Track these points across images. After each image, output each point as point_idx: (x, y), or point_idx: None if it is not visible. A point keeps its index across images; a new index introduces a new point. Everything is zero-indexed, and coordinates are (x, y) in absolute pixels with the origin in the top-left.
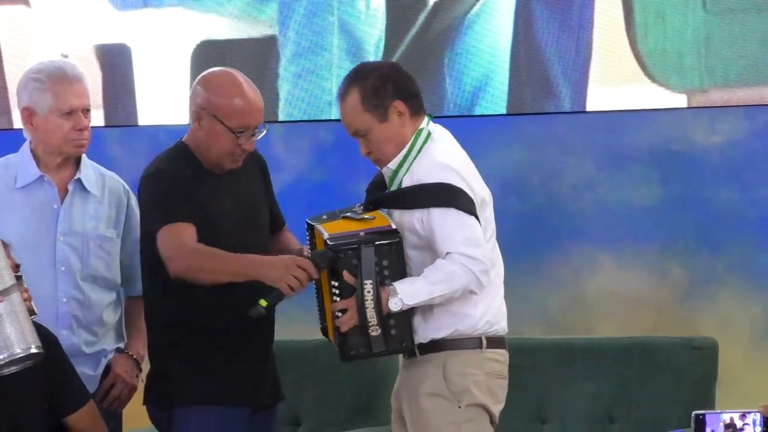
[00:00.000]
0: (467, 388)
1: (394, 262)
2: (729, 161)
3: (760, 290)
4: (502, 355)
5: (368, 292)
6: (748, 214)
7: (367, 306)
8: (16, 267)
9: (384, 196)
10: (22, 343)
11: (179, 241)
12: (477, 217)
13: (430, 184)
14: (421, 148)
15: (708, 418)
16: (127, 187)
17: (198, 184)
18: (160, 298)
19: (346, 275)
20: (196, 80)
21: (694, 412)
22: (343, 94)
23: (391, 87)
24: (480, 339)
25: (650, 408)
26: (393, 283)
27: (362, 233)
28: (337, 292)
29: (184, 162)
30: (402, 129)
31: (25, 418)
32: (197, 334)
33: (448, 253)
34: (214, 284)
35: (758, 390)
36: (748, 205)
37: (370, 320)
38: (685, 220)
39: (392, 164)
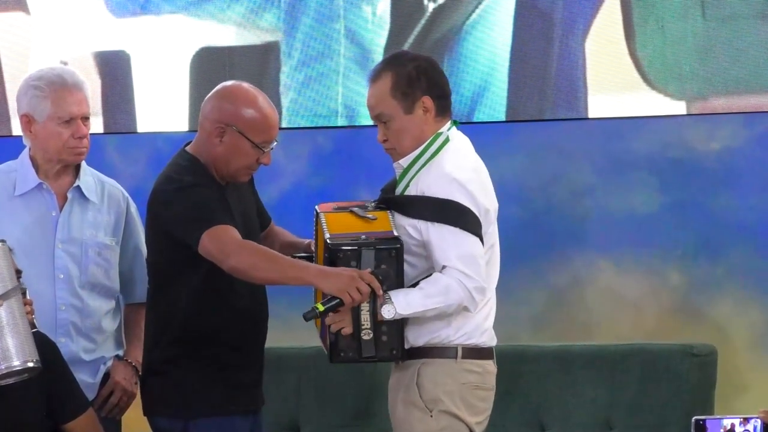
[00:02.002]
0: (438, 397)
1: (393, 269)
2: (728, 168)
3: (759, 296)
4: (481, 366)
5: (366, 303)
6: (747, 220)
7: (361, 309)
8: (18, 273)
9: (393, 198)
10: (21, 356)
11: (232, 239)
12: (481, 238)
13: (438, 198)
14: (436, 152)
15: (708, 424)
16: (126, 194)
17: (216, 192)
18: (175, 310)
19: None
20: (214, 95)
21: (694, 418)
22: (375, 76)
23: (424, 81)
24: (456, 349)
25: (649, 414)
26: (388, 292)
27: (363, 236)
28: None
29: (201, 175)
30: (424, 126)
31: (23, 425)
32: (215, 344)
33: (444, 266)
34: (262, 283)
35: (757, 396)
36: (747, 212)
37: (363, 323)
38: (685, 226)
39: (404, 161)
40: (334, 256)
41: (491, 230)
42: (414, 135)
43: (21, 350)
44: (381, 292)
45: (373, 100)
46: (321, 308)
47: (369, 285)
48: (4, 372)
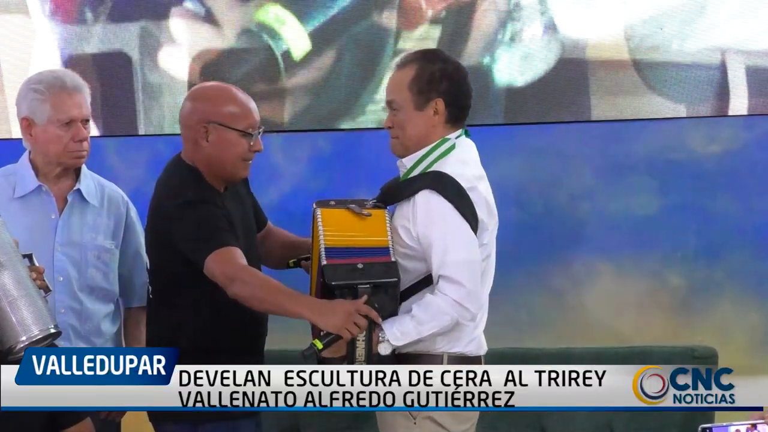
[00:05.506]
0: None
1: (388, 302)
2: (728, 170)
3: (759, 298)
4: None
5: (361, 333)
6: (747, 222)
7: (357, 346)
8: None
9: (390, 190)
10: (39, 324)
11: (236, 265)
12: (473, 227)
13: (432, 171)
14: (439, 157)
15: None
16: (126, 198)
17: (220, 206)
18: (179, 322)
19: None
20: (187, 100)
21: (701, 426)
22: (402, 63)
23: (445, 84)
24: (441, 357)
25: (649, 417)
26: (382, 325)
27: (360, 265)
28: None
29: (201, 185)
30: (431, 127)
31: (25, 425)
32: (219, 353)
33: (440, 276)
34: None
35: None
36: (746, 214)
37: (358, 357)
38: (684, 228)
39: (408, 161)
40: (329, 291)
41: (486, 241)
42: (419, 131)
43: (38, 318)
44: (380, 320)
45: (392, 85)
46: (319, 345)
47: (366, 316)
48: (27, 344)
